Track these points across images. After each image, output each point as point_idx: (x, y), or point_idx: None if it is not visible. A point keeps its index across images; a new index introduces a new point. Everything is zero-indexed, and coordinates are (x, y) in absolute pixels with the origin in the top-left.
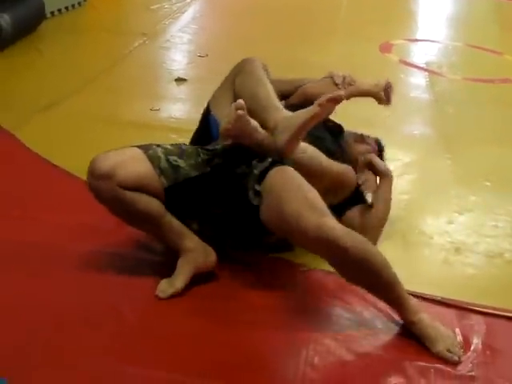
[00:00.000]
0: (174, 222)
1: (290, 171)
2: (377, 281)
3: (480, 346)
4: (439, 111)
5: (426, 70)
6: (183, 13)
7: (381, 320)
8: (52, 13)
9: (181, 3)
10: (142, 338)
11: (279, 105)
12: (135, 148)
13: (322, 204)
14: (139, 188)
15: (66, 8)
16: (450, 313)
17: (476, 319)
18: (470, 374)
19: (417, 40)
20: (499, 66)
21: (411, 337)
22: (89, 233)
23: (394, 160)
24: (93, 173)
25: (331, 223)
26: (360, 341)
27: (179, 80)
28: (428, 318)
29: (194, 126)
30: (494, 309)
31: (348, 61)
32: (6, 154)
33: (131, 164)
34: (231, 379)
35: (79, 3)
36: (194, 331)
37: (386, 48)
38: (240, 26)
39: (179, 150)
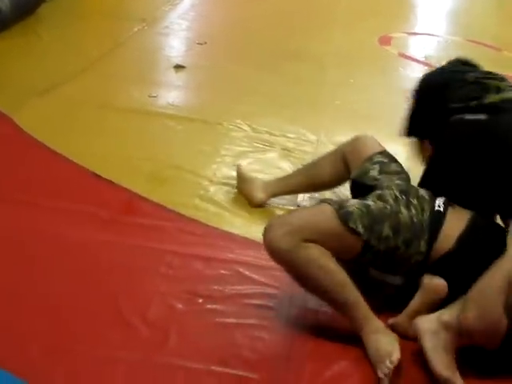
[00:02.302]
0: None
1: None
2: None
3: None
4: None
5: (424, 63)
6: None
7: None
8: None
9: None
10: (138, 326)
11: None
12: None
13: None
14: None
15: None
16: None
17: None
18: None
19: (416, 33)
20: (498, 62)
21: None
22: (88, 219)
23: (393, 154)
24: None
25: None
26: None
27: (178, 67)
28: (374, 340)
29: (192, 113)
30: None
31: (346, 52)
32: (3, 137)
33: None
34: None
35: None
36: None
37: (385, 40)
38: (239, 14)
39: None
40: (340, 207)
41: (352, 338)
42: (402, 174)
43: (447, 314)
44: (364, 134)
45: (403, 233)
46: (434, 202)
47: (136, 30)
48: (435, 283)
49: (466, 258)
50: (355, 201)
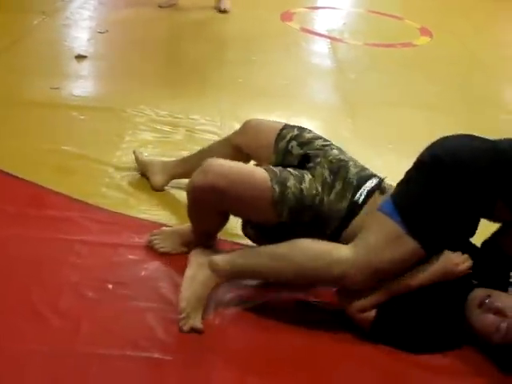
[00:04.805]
0: None
1: None
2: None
3: None
4: (341, 77)
5: (327, 36)
6: None
7: None
8: None
9: None
10: (50, 318)
11: None
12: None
13: None
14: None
15: None
16: None
17: None
18: None
19: (318, 8)
20: (400, 30)
21: None
22: None
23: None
24: None
25: None
26: None
27: (79, 57)
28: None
29: (95, 102)
30: None
31: (249, 30)
32: None
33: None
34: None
35: None
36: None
37: (286, 16)
38: (139, 1)
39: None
40: (279, 183)
41: (268, 315)
42: (319, 137)
43: (219, 257)
44: (251, 120)
45: (318, 222)
46: (360, 188)
47: (36, 22)
48: None
49: None
50: (292, 179)
